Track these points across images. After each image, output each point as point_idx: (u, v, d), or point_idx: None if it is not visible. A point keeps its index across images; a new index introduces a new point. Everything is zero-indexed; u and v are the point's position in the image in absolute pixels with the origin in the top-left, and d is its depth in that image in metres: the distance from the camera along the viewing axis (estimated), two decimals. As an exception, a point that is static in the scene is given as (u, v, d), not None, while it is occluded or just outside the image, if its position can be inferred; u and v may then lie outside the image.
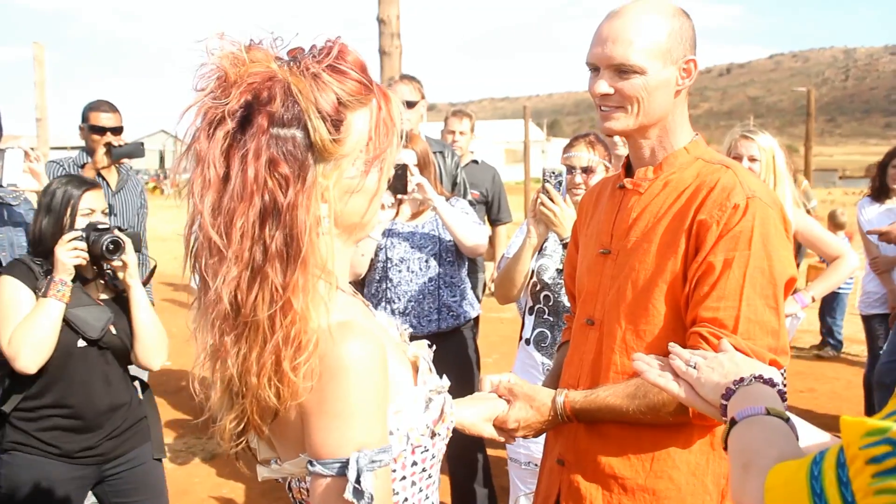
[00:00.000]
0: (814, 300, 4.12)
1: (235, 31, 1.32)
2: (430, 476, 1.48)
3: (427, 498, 1.49)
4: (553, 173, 3.22)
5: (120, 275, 3.14)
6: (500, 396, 1.98)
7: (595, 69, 1.94)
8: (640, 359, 1.62)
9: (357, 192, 1.36)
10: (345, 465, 1.23)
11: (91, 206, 3.11)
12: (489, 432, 1.99)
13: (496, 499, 4.36)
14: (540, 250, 3.41)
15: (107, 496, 3.24)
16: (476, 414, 1.93)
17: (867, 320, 6.11)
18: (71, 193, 3.07)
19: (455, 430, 1.74)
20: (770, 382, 1.41)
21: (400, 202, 4.04)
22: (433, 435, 1.44)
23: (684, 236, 1.86)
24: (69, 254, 2.96)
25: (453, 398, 1.97)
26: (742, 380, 1.41)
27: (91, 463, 3.12)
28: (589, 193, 2.32)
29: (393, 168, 1.44)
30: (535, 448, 3.38)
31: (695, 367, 1.54)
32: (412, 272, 4.03)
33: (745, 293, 1.78)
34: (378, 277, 4.08)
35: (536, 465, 3.41)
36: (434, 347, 1.63)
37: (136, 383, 3.34)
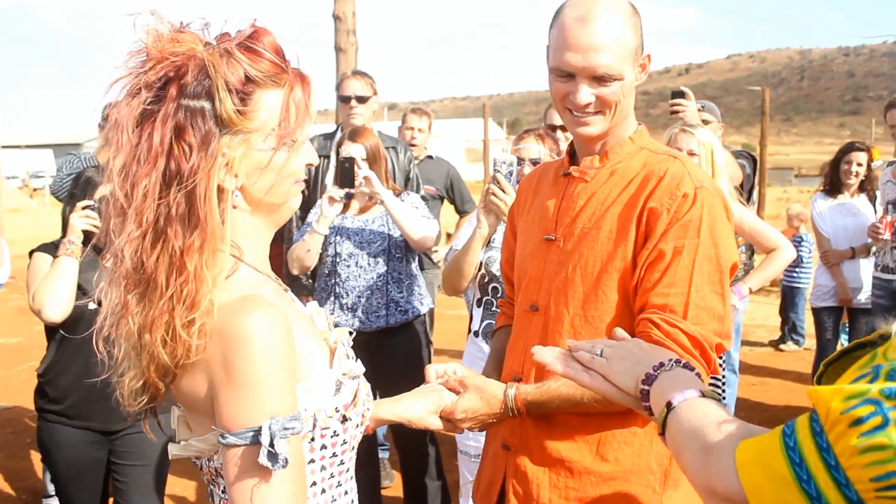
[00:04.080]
0: (751, 291, 4.19)
1: (168, 14, 1.38)
2: (342, 462, 1.49)
3: (339, 485, 1.50)
4: (504, 163, 3.20)
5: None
6: (448, 387, 1.97)
7: (568, 75, 1.91)
8: (539, 352, 1.55)
9: (266, 168, 1.41)
10: (258, 432, 1.25)
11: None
12: (436, 424, 1.98)
13: (448, 492, 4.35)
14: (488, 243, 3.39)
15: (111, 457, 3.40)
16: (422, 407, 1.92)
17: (817, 313, 6.20)
18: (92, 181, 3.34)
19: (404, 426, 1.72)
20: (688, 367, 1.40)
21: (349, 197, 4.01)
22: (344, 419, 1.45)
23: (634, 224, 1.89)
24: (80, 219, 3.24)
25: (401, 393, 1.97)
26: (662, 364, 1.39)
27: (101, 429, 3.31)
28: (528, 179, 2.31)
29: (306, 153, 1.47)
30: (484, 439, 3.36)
31: (601, 356, 1.50)
32: (360, 267, 4.01)
33: (694, 280, 1.82)
34: (327, 272, 4.06)
35: (487, 458, 3.41)
36: (354, 335, 1.65)
37: None
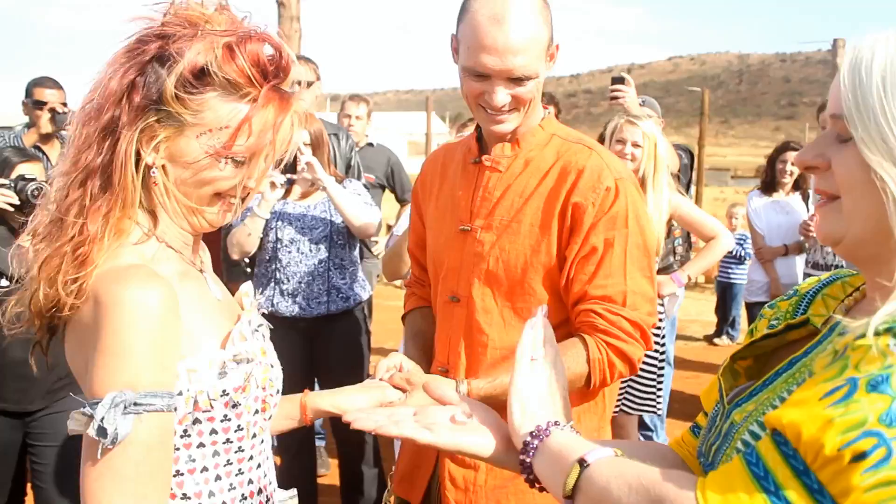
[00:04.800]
0: (689, 279, 4.29)
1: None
2: (241, 450, 1.46)
3: (241, 473, 1.47)
4: None
5: None
6: (394, 385, 1.93)
7: (481, 76, 1.90)
8: (359, 419, 1.39)
9: (188, 164, 1.40)
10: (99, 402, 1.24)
11: (26, 175, 3.25)
12: None
13: (385, 479, 4.33)
14: None
15: (28, 439, 3.31)
16: (364, 401, 1.89)
17: (750, 308, 6.34)
18: (8, 161, 3.26)
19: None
20: (556, 424, 1.27)
21: (290, 182, 3.97)
22: (235, 405, 1.42)
23: (557, 218, 1.93)
24: None
25: (341, 380, 1.94)
26: (539, 432, 1.25)
27: (16, 410, 3.23)
28: (431, 162, 2.30)
29: (249, 176, 1.45)
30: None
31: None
32: (302, 253, 3.96)
33: (628, 269, 1.90)
34: (268, 257, 4.01)
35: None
36: (264, 323, 1.63)
37: None
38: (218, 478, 1.43)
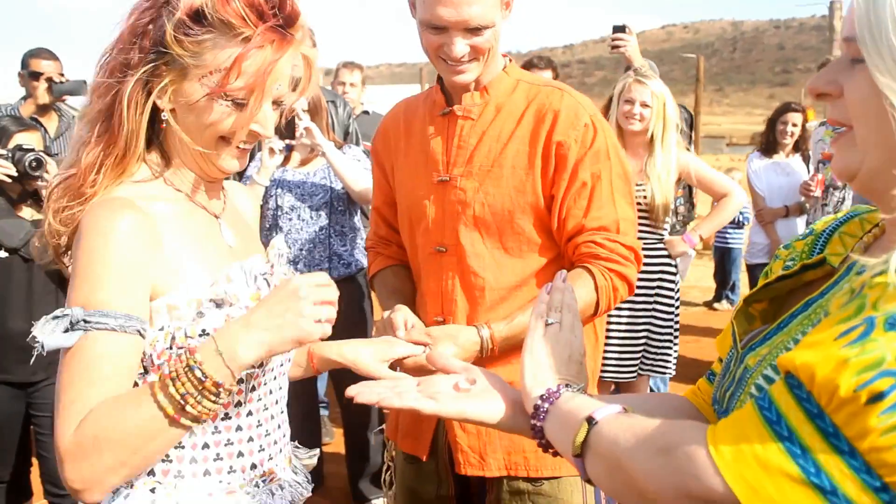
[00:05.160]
0: (702, 239, 4.24)
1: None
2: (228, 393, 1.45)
3: (227, 417, 1.46)
4: None
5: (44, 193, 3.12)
6: (413, 341, 1.91)
7: (438, 28, 1.93)
8: (362, 392, 1.36)
9: (191, 107, 1.42)
10: (55, 317, 1.29)
11: (24, 145, 3.24)
12: (386, 374, 1.92)
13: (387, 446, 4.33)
14: None
15: (31, 410, 3.33)
16: (371, 354, 1.86)
17: (751, 270, 6.32)
18: (6, 130, 3.27)
19: (346, 380, 1.68)
20: (567, 386, 1.26)
21: (289, 148, 3.93)
22: None
23: (540, 158, 1.99)
24: None
25: None
26: (549, 395, 1.24)
27: (18, 381, 3.23)
28: (391, 119, 2.29)
29: (251, 119, 1.44)
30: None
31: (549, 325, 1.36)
32: (302, 220, 3.94)
33: (616, 199, 2.00)
34: (268, 225, 3.99)
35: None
36: (278, 273, 1.61)
37: None
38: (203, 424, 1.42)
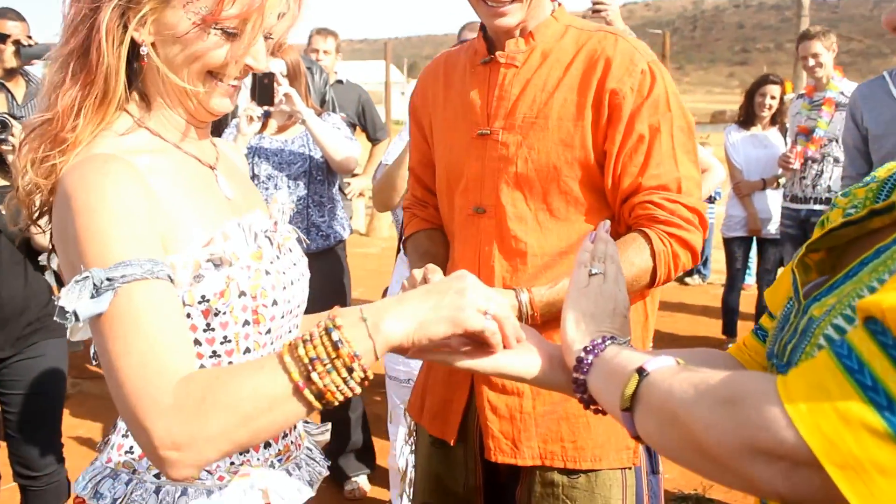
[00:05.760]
0: None
1: None
2: (223, 361, 1.33)
3: None
4: None
5: (10, 158, 3.02)
6: None
7: None
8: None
9: (177, 39, 1.26)
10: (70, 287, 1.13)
11: None
12: None
13: (367, 422, 4.24)
14: None
15: None
16: None
17: (728, 243, 6.30)
18: None
19: None
20: (612, 339, 1.17)
21: (267, 115, 3.79)
22: (217, 313, 1.28)
23: (590, 108, 1.80)
24: None
25: None
26: (594, 347, 1.16)
27: None
28: (430, 72, 2.13)
29: (244, 52, 1.31)
30: (415, 364, 3.26)
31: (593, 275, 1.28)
32: (279, 190, 3.78)
33: (677, 154, 1.80)
34: (244, 195, 3.83)
35: (416, 382, 3.30)
36: (281, 230, 1.49)
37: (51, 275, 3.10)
38: None
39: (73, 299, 1.10)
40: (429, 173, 2.13)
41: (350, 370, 1.08)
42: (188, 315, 1.26)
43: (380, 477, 4.22)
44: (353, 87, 5.95)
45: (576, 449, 1.85)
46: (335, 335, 1.07)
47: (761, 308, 6.09)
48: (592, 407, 1.16)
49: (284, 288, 1.40)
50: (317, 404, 1.09)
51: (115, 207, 1.15)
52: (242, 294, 1.30)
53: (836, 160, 5.35)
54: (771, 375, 0.88)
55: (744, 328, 6.58)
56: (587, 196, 1.82)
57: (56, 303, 1.11)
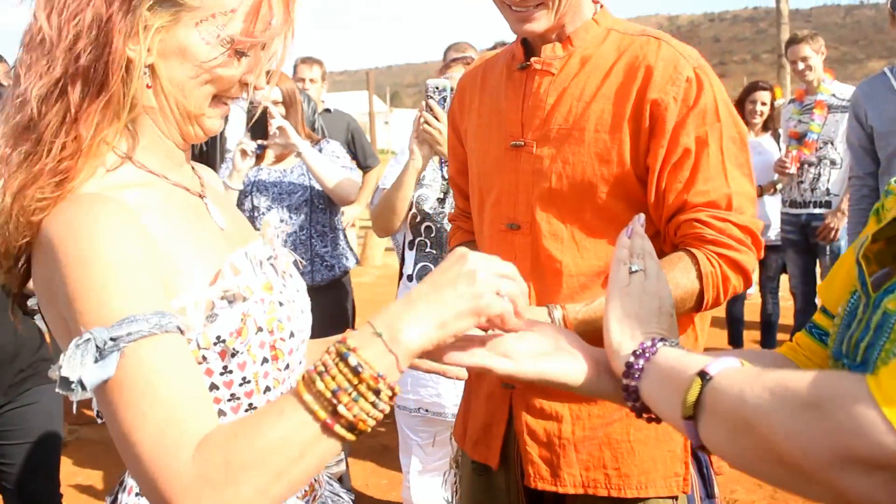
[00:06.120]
0: None
1: None
2: (252, 407, 1.22)
3: None
4: (437, 88, 2.93)
5: None
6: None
7: None
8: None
9: (186, 57, 1.16)
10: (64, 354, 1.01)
11: None
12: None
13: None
14: (419, 180, 3.14)
15: None
16: None
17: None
18: None
19: None
20: (662, 340, 1.10)
21: (262, 148, 3.71)
22: (234, 353, 1.17)
23: (629, 120, 1.67)
24: None
25: None
26: (644, 350, 1.08)
27: None
28: (469, 77, 2.03)
29: (251, 71, 1.24)
30: (424, 392, 3.19)
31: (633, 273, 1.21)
32: (281, 221, 3.71)
33: (727, 168, 1.66)
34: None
35: (427, 410, 3.21)
36: (281, 254, 1.39)
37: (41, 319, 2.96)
38: None
39: (77, 367, 0.97)
40: (467, 182, 2.02)
41: (377, 392, 0.99)
42: (203, 359, 1.15)
43: (392, 510, 4.11)
44: (341, 115, 5.88)
45: (620, 476, 1.74)
46: (352, 360, 0.99)
47: (766, 316, 6.02)
48: (646, 415, 1.09)
49: (296, 318, 1.31)
50: (350, 437, 1.00)
51: (110, 256, 1.03)
52: (259, 330, 1.20)
53: (833, 162, 5.32)
54: (858, 375, 0.80)
55: (749, 337, 6.50)
56: (626, 213, 1.67)
57: (57, 373, 1.00)
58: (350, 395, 0.98)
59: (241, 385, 1.19)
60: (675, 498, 1.76)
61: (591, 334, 1.56)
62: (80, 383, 0.97)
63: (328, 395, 0.98)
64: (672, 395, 0.98)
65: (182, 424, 0.98)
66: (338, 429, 0.98)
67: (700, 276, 1.63)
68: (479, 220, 1.92)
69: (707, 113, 1.65)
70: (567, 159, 1.71)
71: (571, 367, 1.16)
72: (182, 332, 1.07)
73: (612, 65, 1.71)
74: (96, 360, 0.98)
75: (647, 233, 1.72)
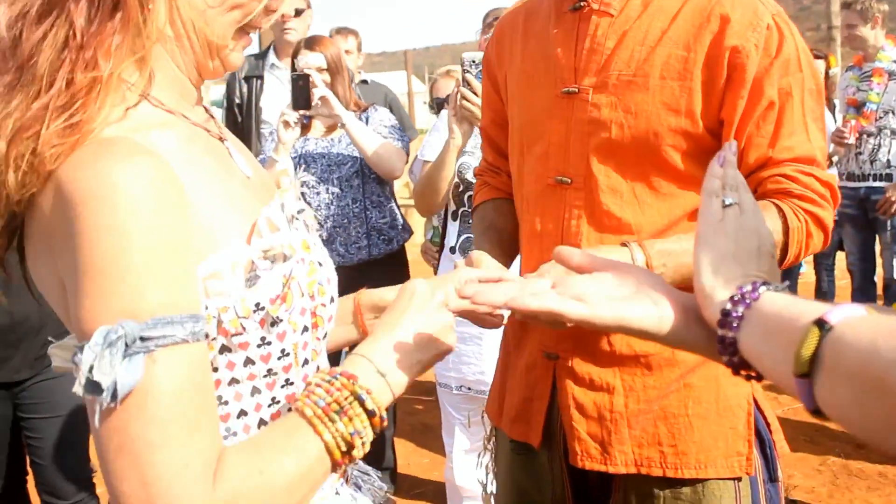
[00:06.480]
0: None
1: None
2: (289, 383, 1.07)
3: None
4: (473, 62, 2.77)
5: None
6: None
7: None
8: (481, 292, 1.04)
9: None
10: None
11: None
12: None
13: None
14: (459, 153, 2.98)
15: (18, 412, 2.94)
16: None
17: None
18: None
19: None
20: (765, 284, 0.93)
21: (308, 119, 3.56)
22: (274, 322, 1.01)
23: (702, 68, 1.52)
24: None
25: None
26: (744, 296, 0.91)
27: (2, 381, 2.85)
28: (509, 19, 1.85)
29: None
30: (467, 370, 3.06)
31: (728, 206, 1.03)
32: (332, 194, 3.56)
33: (808, 122, 1.53)
34: (298, 205, 3.60)
35: (469, 388, 3.08)
36: (306, 208, 1.21)
37: None
38: (262, 423, 1.04)
39: (108, 368, 0.82)
40: (503, 134, 1.86)
41: (377, 432, 1.01)
42: (242, 329, 0.98)
43: (434, 493, 3.98)
44: (378, 86, 5.72)
45: (676, 454, 1.57)
46: (369, 404, 0.98)
47: (821, 295, 5.80)
48: (744, 372, 0.93)
49: (333, 282, 1.16)
50: (334, 474, 1.04)
51: (154, 231, 0.86)
52: (302, 295, 1.05)
53: (894, 132, 5.07)
54: None
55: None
56: (692, 169, 1.55)
57: (82, 375, 0.83)
58: (363, 438, 0.97)
59: (279, 359, 1.04)
60: (739, 479, 1.60)
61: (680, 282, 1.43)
62: (114, 390, 0.82)
63: (348, 437, 0.96)
64: (780, 348, 0.82)
65: (207, 452, 0.88)
66: (339, 470, 1.00)
67: (786, 230, 1.50)
68: (519, 174, 1.76)
69: (790, 63, 1.51)
70: (629, 108, 1.55)
71: (656, 312, 0.99)
72: (207, 336, 0.94)
73: (680, 7, 1.56)
74: (124, 357, 0.83)
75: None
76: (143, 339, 0.83)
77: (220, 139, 1.12)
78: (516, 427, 1.74)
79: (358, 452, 0.96)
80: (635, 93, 1.54)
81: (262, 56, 4.51)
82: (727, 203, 0.99)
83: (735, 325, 0.90)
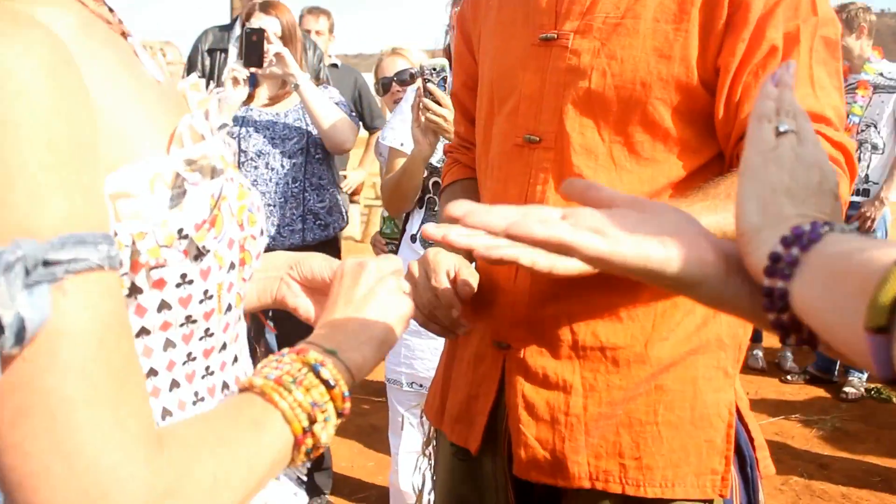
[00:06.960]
0: None
1: None
2: (209, 334, 0.85)
3: (210, 373, 0.87)
4: (434, 69, 2.52)
5: None
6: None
7: None
8: (471, 212, 0.75)
9: None
10: None
11: None
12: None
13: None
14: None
15: None
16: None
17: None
18: None
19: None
20: (826, 224, 0.72)
21: (255, 80, 3.32)
22: (199, 254, 0.80)
23: (699, 8, 1.29)
24: None
25: (313, 332, 1.23)
26: (800, 235, 0.69)
27: None
28: None
29: None
30: (419, 365, 2.84)
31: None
32: (271, 169, 3.32)
33: (815, 74, 1.28)
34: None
35: (421, 385, 2.86)
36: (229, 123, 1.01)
37: None
38: (175, 385, 0.82)
39: (7, 300, 0.58)
40: (474, 98, 1.64)
41: (340, 413, 0.83)
42: (164, 262, 0.77)
43: (378, 498, 3.76)
44: (349, 70, 5.49)
45: (640, 469, 1.35)
46: (324, 372, 0.82)
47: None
48: (794, 336, 0.69)
49: (262, 213, 0.95)
50: (300, 461, 0.81)
51: (52, 121, 0.63)
52: (232, 218, 0.86)
53: (875, 147, 4.95)
54: None
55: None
56: (682, 130, 1.32)
57: None
58: (324, 412, 0.80)
59: (201, 302, 0.82)
60: (710, 502, 1.37)
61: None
62: (19, 328, 0.58)
63: (307, 407, 0.79)
64: (849, 296, 0.60)
65: (142, 410, 0.66)
66: (303, 449, 0.79)
67: None
68: (485, 137, 1.53)
69: (801, 3, 1.28)
70: (614, 54, 1.32)
71: (687, 255, 0.75)
72: (121, 263, 0.72)
73: None
74: (25, 287, 0.60)
75: (708, 155, 1.34)
76: (46, 263, 0.60)
77: (124, 35, 0.87)
78: (457, 428, 1.51)
79: (321, 431, 0.79)
80: (623, 37, 1.32)
81: (227, 28, 4.25)
82: (782, 130, 0.75)
83: (787, 272, 0.66)
